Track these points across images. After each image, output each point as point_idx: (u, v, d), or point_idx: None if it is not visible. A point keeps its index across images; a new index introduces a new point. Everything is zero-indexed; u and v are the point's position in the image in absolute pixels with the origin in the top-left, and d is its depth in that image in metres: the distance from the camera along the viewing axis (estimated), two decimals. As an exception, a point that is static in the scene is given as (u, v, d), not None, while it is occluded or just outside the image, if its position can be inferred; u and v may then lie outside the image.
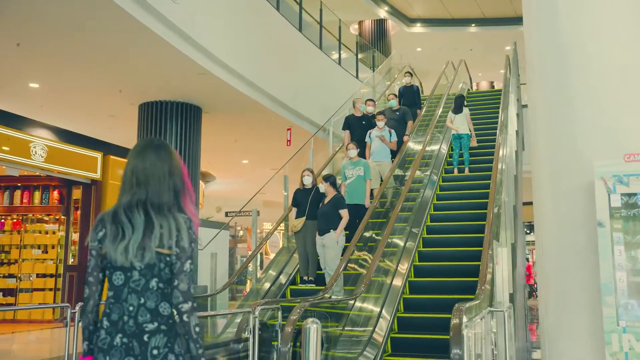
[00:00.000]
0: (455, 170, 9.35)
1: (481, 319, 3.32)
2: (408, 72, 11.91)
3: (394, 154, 8.67)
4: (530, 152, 4.57)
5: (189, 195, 2.11)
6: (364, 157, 8.41)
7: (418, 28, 19.06)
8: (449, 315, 5.14)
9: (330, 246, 6.63)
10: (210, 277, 8.88)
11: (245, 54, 9.07)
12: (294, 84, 10.90)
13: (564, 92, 4.35)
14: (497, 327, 3.91)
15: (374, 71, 15.00)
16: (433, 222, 7.76)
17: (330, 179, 7.01)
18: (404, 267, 6.45)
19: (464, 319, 3.01)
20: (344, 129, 9.23)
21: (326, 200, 6.93)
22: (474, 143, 9.92)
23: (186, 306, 1.95)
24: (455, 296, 5.77)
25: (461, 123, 9.56)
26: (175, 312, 1.98)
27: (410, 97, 10.88)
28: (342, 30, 13.92)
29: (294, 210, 7.29)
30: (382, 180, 8.27)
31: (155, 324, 1.93)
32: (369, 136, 8.76)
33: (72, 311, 4.31)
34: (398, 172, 8.26)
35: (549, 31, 4.59)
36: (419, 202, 7.84)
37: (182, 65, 7.88)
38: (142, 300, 1.94)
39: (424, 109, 10.74)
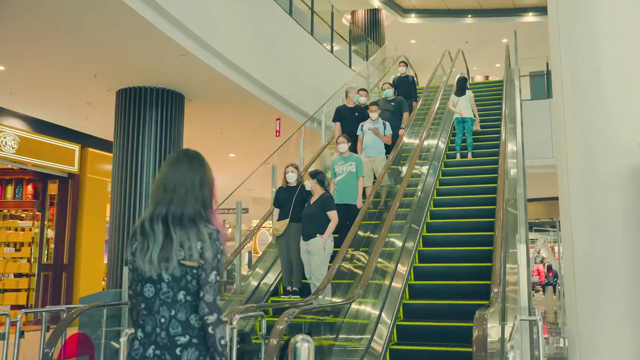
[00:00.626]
0: (458, 156, 8.90)
1: (513, 331, 2.73)
2: (403, 61, 11.27)
3: (388, 148, 7.89)
4: (557, 142, 4.06)
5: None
6: (356, 152, 7.63)
7: (413, 19, 18.48)
8: (459, 302, 4.88)
9: (316, 253, 5.78)
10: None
11: (229, 35, 8.39)
12: (284, 71, 10.25)
13: (597, 77, 3.95)
14: (520, 335, 3.30)
15: (367, 61, 14.40)
16: (435, 216, 7.24)
17: (317, 176, 6.15)
18: (404, 268, 5.85)
19: (499, 335, 2.40)
20: (334, 120, 8.49)
21: (312, 200, 6.08)
22: (477, 127, 9.41)
23: (212, 318, 1.95)
24: (467, 282, 5.47)
25: (464, 106, 9.05)
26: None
27: (405, 88, 10.19)
28: (335, 22, 13.30)
29: (277, 211, 6.42)
30: (375, 178, 7.54)
31: (187, 337, 1.95)
32: (361, 129, 7.98)
33: (12, 320, 3.67)
34: (393, 168, 7.61)
35: (577, 15, 4.19)
36: (419, 199, 7.24)
37: (160, 46, 7.22)
38: (173, 312, 1.97)
39: (420, 101, 10.10)
